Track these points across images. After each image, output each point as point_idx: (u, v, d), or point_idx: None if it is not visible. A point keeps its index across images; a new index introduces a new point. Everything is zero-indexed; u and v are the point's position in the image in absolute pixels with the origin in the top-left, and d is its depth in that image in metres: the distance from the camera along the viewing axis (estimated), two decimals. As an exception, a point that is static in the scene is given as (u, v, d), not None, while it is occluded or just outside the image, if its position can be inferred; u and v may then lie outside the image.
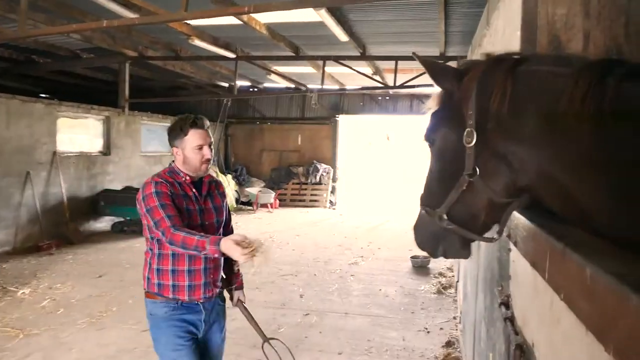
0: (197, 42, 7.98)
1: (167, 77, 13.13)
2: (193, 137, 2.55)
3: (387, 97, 15.41)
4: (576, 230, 1.19)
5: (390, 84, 10.57)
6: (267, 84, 14.37)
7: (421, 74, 9.36)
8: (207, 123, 2.64)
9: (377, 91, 14.46)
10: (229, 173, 15.04)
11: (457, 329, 5.06)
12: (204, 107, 15.97)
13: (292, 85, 13.62)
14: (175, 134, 2.59)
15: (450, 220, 1.40)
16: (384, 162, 19.18)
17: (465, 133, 1.28)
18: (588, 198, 1.12)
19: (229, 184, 13.81)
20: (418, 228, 1.59)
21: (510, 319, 1.74)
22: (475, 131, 1.26)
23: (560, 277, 1.06)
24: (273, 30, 7.80)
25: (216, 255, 2.32)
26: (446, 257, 1.59)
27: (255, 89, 15.04)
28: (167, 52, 9.60)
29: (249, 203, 14.53)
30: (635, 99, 1.03)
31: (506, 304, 1.89)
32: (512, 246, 1.80)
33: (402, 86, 10.01)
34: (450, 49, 8.37)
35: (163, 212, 2.40)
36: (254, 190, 14.61)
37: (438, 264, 7.76)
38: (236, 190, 14.47)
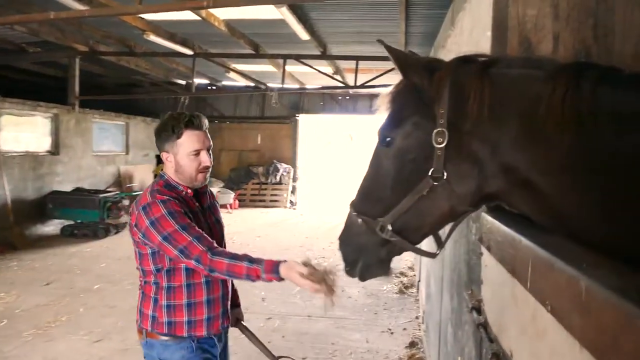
0: (153, 38, 7.68)
1: (121, 74, 12.62)
2: (188, 140, 2.11)
3: (347, 97, 15.47)
4: (554, 235, 1.16)
5: (351, 83, 10.57)
6: (225, 82, 14.09)
7: (382, 74, 9.40)
8: (206, 122, 2.20)
9: (338, 91, 14.48)
10: (187, 173, 14.63)
11: (420, 329, 5.08)
12: (160, 105, 15.50)
13: (252, 84, 13.40)
14: (165, 135, 2.14)
15: (394, 231, 1.30)
16: (345, 161, 19.26)
17: (435, 132, 1.20)
18: (568, 202, 1.11)
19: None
20: (346, 240, 1.43)
21: (484, 325, 1.70)
22: (447, 131, 1.19)
23: (546, 288, 1.02)
24: (232, 27, 7.61)
25: (273, 281, 1.98)
26: (364, 278, 1.43)
27: (214, 87, 14.71)
28: (121, 47, 9.21)
29: (207, 204, 14.20)
30: (611, 102, 1.03)
31: (477, 309, 1.86)
32: (484, 250, 1.77)
33: (362, 86, 10.02)
34: (411, 50, 8.45)
35: (189, 236, 1.98)
36: (212, 190, 14.26)
37: (399, 263, 7.81)
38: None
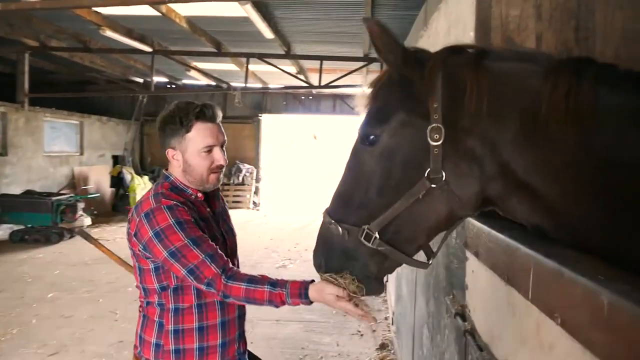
0: (109, 33, 7.36)
1: (75, 71, 12.08)
2: (200, 135, 1.82)
3: (310, 97, 15.43)
4: (552, 241, 1.12)
5: (315, 83, 10.51)
6: (186, 81, 13.77)
7: (346, 74, 9.38)
8: (220, 113, 1.90)
9: (301, 91, 14.41)
10: (145, 174, 14.22)
11: (389, 331, 5.06)
12: (117, 104, 14.99)
13: (213, 83, 13.14)
14: (171, 129, 1.83)
15: (382, 239, 1.18)
16: (308, 161, 19.22)
17: (430, 128, 1.12)
18: (567, 202, 1.07)
19: (145, 186, 13.03)
20: (324, 253, 1.30)
21: (470, 332, 1.66)
22: (443, 127, 1.11)
23: (554, 300, 0.97)
24: (194, 24, 7.39)
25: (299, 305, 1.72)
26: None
27: (174, 86, 14.35)
28: (74, 42, 8.78)
29: (167, 206, 13.81)
30: (612, 100, 1.02)
31: (462, 315, 1.82)
32: (469, 255, 1.73)
33: (327, 86, 9.99)
34: (374, 50, 8.47)
35: (201, 253, 1.68)
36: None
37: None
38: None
